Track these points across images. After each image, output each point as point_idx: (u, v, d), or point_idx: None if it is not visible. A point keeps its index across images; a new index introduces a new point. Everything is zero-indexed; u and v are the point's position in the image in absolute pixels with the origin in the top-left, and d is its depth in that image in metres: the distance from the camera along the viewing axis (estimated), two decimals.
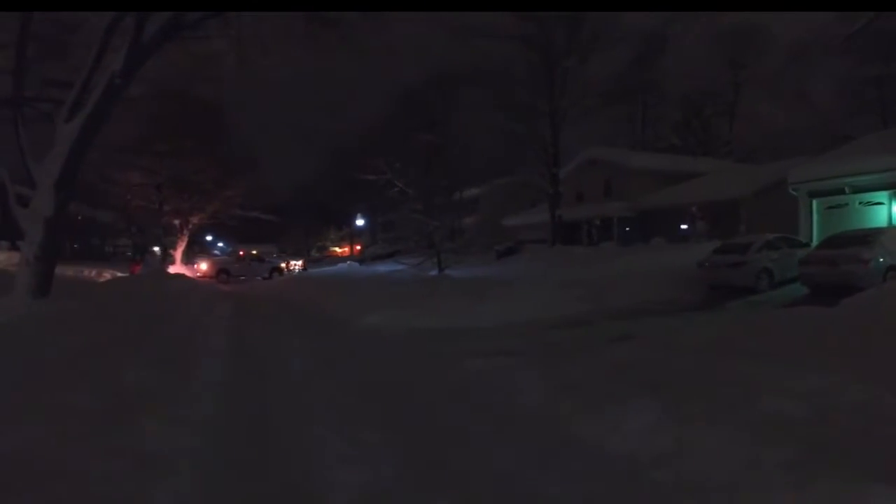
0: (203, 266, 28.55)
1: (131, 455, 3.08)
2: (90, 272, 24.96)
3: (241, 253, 32.64)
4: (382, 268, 26.02)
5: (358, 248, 57.63)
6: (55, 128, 9.51)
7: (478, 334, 9.42)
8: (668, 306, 12.76)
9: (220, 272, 27.74)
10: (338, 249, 67.28)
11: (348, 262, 39.77)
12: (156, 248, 34.15)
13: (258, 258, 31.75)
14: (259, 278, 28.60)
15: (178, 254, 29.81)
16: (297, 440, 4.15)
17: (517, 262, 24.63)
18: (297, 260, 34.57)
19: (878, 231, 12.61)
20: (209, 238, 43.58)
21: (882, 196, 14.86)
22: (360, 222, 53.11)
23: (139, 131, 20.13)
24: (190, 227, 28.95)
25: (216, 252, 47.19)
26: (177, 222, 27.73)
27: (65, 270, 22.09)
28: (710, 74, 42.71)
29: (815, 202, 16.59)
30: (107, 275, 24.64)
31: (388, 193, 22.58)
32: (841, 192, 15.65)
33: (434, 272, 19.82)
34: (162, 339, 7.26)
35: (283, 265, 32.25)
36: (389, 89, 34.74)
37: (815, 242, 15.03)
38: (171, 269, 27.09)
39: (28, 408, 3.61)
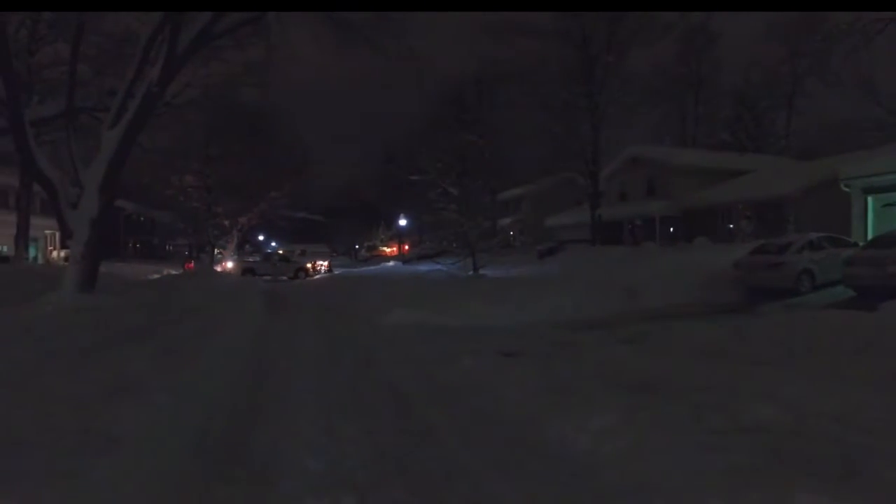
0: (229, 265, 29.52)
1: (86, 433, 3.35)
2: (146, 270, 26.57)
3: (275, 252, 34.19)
4: (422, 268, 26.30)
5: (406, 247, 58.39)
6: (101, 135, 10.21)
7: (492, 333, 9.40)
8: (700, 308, 12.30)
9: (245, 271, 28.41)
10: (386, 249, 68.39)
11: (392, 262, 40.38)
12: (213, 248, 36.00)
13: (284, 258, 32.09)
14: (284, 278, 28.51)
15: (228, 253, 31.19)
16: (254, 431, 4.33)
17: (556, 262, 24.30)
18: (324, 260, 33.79)
19: None
20: (261, 237, 45.44)
21: None
22: (402, 222, 53.82)
23: (190, 136, 21.27)
24: (239, 227, 30.23)
25: (268, 251, 49.11)
26: (227, 222, 29.05)
27: (123, 269, 23.62)
28: (765, 66, 40.44)
29: (869, 199, 15.47)
30: (162, 272, 26.18)
31: (431, 194, 22.72)
32: None
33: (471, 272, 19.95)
34: (179, 329, 7.69)
35: (310, 265, 31.36)
36: (431, 90, 34.68)
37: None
38: (220, 268, 28.45)
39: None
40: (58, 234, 28.23)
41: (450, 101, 35.37)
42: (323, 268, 32.30)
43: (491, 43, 31.52)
